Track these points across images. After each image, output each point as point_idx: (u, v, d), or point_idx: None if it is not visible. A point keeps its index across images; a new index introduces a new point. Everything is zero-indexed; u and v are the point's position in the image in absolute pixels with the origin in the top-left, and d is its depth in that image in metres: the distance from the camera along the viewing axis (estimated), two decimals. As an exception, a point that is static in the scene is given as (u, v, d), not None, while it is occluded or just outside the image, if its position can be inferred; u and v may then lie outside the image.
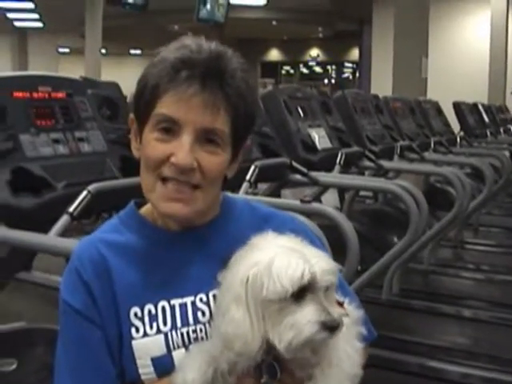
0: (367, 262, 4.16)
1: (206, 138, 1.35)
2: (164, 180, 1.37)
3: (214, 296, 1.38)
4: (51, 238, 2.53)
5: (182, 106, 1.33)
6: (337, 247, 2.88)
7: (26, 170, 2.80)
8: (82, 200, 2.68)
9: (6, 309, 3.42)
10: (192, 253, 1.43)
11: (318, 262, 1.24)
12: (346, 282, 1.58)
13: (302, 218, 1.62)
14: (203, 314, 1.41)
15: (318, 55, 32.68)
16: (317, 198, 4.64)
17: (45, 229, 2.62)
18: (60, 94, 3.17)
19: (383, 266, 4.33)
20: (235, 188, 3.55)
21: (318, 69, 33.69)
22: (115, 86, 3.60)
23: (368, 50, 20.16)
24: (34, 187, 2.77)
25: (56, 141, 3.02)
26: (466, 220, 6.83)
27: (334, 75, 33.47)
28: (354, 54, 28.61)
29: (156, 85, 1.36)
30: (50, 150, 2.97)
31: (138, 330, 1.41)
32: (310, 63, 33.68)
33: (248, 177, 3.67)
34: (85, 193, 2.70)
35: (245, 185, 3.61)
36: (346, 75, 33.16)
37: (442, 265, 6.46)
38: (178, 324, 1.39)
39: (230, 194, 1.58)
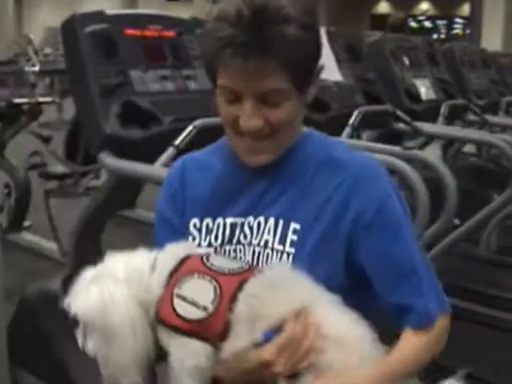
0: (465, 217, 4.13)
1: (266, 97, 1.41)
2: (241, 134, 1.46)
3: (259, 223, 1.49)
4: (158, 169, 2.63)
5: (236, 77, 1.38)
6: (434, 200, 2.89)
7: (135, 104, 2.90)
8: (188, 134, 2.77)
9: (110, 244, 3.54)
10: (255, 179, 1.52)
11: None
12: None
13: (380, 171, 1.54)
14: (245, 236, 1.51)
15: (428, 10, 31.95)
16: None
17: (150, 161, 2.72)
18: (170, 33, 3.24)
19: (481, 221, 4.27)
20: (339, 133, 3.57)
21: (427, 23, 32.95)
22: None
23: (479, 4, 19.59)
24: (142, 121, 2.88)
25: (164, 77, 3.11)
26: None
27: (443, 30, 32.66)
28: (465, 9, 27.85)
29: (210, 59, 1.43)
30: (158, 86, 3.06)
31: (194, 239, 1.56)
32: (420, 17, 32.95)
33: (351, 121, 3.68)
34: (191, 127, 2.79)
35: (347, 129, 3.64)
36: (455, 31, 32.31)
37: (542, 224, 6.32)
38: (226, 241, 1.52)
39: (313, 132, 1.62)
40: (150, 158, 2.72)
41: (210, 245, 1.53)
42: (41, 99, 6.26)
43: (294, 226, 1.45)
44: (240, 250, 1.50)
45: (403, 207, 1.50)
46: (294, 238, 1.44)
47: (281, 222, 1.46)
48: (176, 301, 1.34)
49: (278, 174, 1.51)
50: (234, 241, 1.51)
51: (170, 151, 2.70)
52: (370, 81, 4.38)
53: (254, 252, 1.48)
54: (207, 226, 1.54)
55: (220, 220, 1.53)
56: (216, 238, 1.53)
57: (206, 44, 1.44)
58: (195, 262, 1.40)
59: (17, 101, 5.95)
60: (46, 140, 5.49)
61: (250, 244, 1.49)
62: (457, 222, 3.97)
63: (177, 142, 2.73)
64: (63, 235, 3.67)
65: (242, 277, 1.36)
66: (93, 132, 2.87)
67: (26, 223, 6.27)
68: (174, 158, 2.68)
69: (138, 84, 2.97)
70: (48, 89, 14.12)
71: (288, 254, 1.44)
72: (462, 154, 6.49)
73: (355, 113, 3.73)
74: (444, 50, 5.88)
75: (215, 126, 2.92)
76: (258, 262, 1.47)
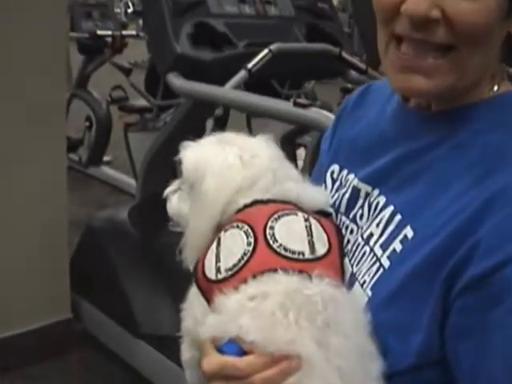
0: None
1: None
2: (399, 40, 0.95)
3: (377, 204, 1.03)
4: (227, 91, 2.48)
5: None
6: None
7: (208, 26, 2.78)
8: (262, 58, 2.60)
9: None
10: (411, 136, 1.03)
11: None
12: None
13: None
14: (361, 217, 1.07)
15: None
16: None
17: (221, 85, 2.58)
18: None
19: None
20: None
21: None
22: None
23: None
24: (214, 43, 2.75)
25: (242, 0, 2.97)
26: None
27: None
28: None
29: None
30: (235, 9, 2.93)
31: (325, 189, 1.17)
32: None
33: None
34: (266, 51, 2.62)
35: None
36: None
37: None
38: (343, 209, 1.11)
39: None
40: (221, 84, 2.57)
41: (333, 206, 1.12)
42: (125, 32, 6.19)
43: (407, 231, 0.95)
44: (351, 231, 1.07)
45: None
46: (398, 248, 0.95)
47: (397, 219, 0.98)
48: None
49: (434, 140, 0.99)
50: (351, 215, 1.08)
51: (242, 74, 2.54)
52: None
53: (357, 242, 1.04)
54: (341, 179, 1.13)
55: (350, 177, 1.11)
56: (338, 199, 1.12)
57: None
58: (260, 215, 1.01)
59: (100, 33, 5.88)
60: (127, 71, 5.41)
61: (361, 229, 1.05)
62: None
63: (249, 65, 2.57)
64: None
65: (301, 266, 0.95)
66: (162, 51, 2.75)
67: (107, 158, 6.24)
68: (245, 82, 2.55)
69: (213, 5, 2.85)
70: (140, 29, 14.13)
71: (380, 267, 0.96)
72: None
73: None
74: None
75: (292, 52, 2.79)
76: (353, 257, 1.03)
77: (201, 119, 3.14)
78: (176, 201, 1.14)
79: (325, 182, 1.17)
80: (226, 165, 1.06)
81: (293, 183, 1.07)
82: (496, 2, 0.89)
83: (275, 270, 0.92)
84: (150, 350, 2.93)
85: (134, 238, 3.19)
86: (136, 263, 3.15)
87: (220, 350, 0.90)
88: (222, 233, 1.01)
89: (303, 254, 0.95)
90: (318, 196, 1.09)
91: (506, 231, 0.85)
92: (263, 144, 1.11)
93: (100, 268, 3.21)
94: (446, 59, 0.92)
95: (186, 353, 1.07)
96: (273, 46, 2.63)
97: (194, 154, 1.10)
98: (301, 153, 4.00)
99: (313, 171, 1.27)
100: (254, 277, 0.93)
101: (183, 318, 1.06)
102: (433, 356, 0.89)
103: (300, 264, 0.94)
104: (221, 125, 6.23)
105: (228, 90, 2.47)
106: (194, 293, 1.03)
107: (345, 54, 2.94)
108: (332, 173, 1.17)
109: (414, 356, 0.89)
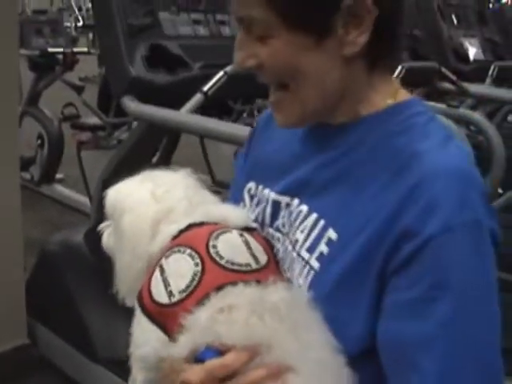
0: (508, 187, 3.93)
1: (249, 27, 1.04)
2: None
3: (299, 213, 1.11)
4: (184, 115, 2.47)
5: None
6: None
7: (163, 48, 2.77)
8: (218, 80, 2.59)
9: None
10: (323, 147, 1.11)
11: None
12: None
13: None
14: (283, 225, 1.15)
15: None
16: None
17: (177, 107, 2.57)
18: (204, -25, 3.09)
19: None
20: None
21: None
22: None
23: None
24: (169, 65, 2.74)
25: (196, 21, 2.98)
26: None
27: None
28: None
29: None
30: (190, 30, 2.93)
31: (244, 207, 1.23)
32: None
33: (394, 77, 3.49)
34: (221, 73, 2.61)
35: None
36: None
37: None
38: (267, 222, 1.18)
39: (414, 103, 1.09)
40: (177, 106, 2.56)
41: (256, 220, 1.19)
42: (76, 49, 6.15)
43: (330, 234, 1.04)
44: (278, 240, 1.14)
45: (488, 268, 0.96)
46: (325, 250, 1.04)
47: (320, 224, 1.06)
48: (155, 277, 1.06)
49: (344, 150, 1.08)
50: (275, 226, 1.16)
51: (198, 97, 2.53)
52: (416, 37, 4.19)
53: (286, 249, 1.11)
54: (259, 194, 1.20)
55: (266, 192, 1.19)
56: (261, 214, 1.19)
57: None
58: (199, 236, 1.07)
59: (51, 50, 5.84)
60: (79, 89, 5.38)
61: (286, 236, 1.12)
62: (500, 191, 3.78)
63: (205, 88, 2.56)
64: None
65: (254, 276, 1.03)
66: (117, 74, 2.72)
67: (59, 176, 6.18)
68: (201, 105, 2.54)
69: (167, 27, 2.85)
70: (91, 44, 14.08)
71: (310, 269, 1.05)
72: (507, 124, 6.24)
73: (398, 68, 3.53)
74: (493, 10, 5.69)
75: (248, 73, 2.79)
76: (284, 264, 1.11)
77: (155, 141, 3.12)
78: (106, 236, 1.22)
79: (243, 200, 1.24)
80: (139, 201, 1.14)
81: (213, 205, 1.17)
82: (282, 43, 1.00)
83: (235, 283, 0.99)
84: (109, 375, 2.89)
85: (90, 262, 3.14)
86: (93, 287, 3.11)
87: (199, 360, 0.93)
88: (163, 260, 1.06)
89: (250, 265, 1.03)
90: (240, 214, 1.17)
91: (423, 218, 0.94)
92: (180, 178, 1.19)
93: (56, 292, 3.16)
94: (285, 95, 1.04)
95: (139, 376, 1.09)
96: (228, 68, 2.62)
97: (115, 191, 1.18)
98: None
99: (231, 188, 1.34)
100: (217, 292, 0.98)
101: (133, 346, 1.08)
102: (361, 336, 0.99)
103: (252, 274, 1.02)
104: (172, 143, 6.25)
105: (184, 115, 2.46)
106: (141, 320, 1.06)
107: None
108: (249, 190, 1.24)
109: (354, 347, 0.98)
